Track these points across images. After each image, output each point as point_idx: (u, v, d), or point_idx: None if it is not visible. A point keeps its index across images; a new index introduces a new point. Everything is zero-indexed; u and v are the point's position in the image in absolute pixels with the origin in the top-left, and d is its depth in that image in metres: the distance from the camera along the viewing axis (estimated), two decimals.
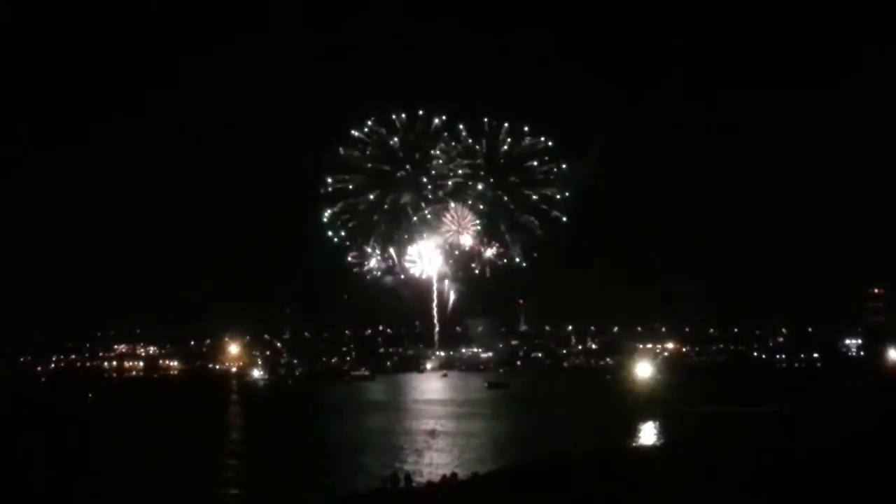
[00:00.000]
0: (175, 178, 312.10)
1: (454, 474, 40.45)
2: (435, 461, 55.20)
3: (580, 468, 39.63)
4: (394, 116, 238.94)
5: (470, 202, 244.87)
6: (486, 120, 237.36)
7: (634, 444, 63.80)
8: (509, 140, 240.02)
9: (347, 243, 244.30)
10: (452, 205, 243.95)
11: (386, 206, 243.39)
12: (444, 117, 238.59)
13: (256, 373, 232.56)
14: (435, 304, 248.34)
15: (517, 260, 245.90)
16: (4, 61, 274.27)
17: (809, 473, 32.26)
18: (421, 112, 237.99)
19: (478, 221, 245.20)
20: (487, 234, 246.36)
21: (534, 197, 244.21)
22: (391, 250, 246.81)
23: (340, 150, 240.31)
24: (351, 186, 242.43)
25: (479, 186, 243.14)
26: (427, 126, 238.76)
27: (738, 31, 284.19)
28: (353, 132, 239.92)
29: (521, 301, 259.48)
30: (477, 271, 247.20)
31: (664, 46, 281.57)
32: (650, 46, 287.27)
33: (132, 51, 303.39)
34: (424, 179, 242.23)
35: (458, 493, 35.11)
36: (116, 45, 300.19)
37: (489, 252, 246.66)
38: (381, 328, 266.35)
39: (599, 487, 32.02)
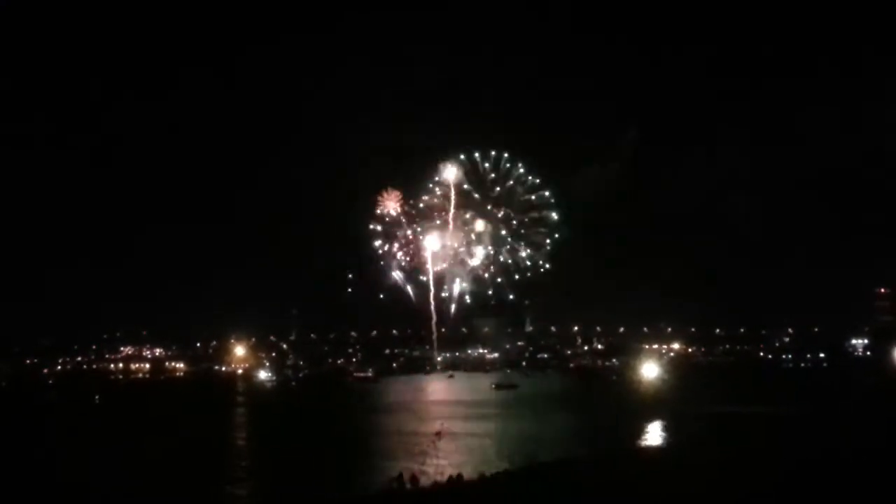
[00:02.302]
0: (184, 181, 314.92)
1: (460, 475, 40.31)
2: (441, 462, 55.03)
3: (587, 469, 39.49)
4: None
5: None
6: None
7: (642, 445, 63.61)
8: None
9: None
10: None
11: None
12: None
13: (263, 374, 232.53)
14: (451, 304, 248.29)
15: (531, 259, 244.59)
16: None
17: (817, 475, 32.09)
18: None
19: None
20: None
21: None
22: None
23: None
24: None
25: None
26: None
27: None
28: None
29: (526, 302, 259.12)
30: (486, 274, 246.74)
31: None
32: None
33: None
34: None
35: (464, 495, 34.99)
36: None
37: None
38: (387, 330, 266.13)
39: (607, 489, 31.89)
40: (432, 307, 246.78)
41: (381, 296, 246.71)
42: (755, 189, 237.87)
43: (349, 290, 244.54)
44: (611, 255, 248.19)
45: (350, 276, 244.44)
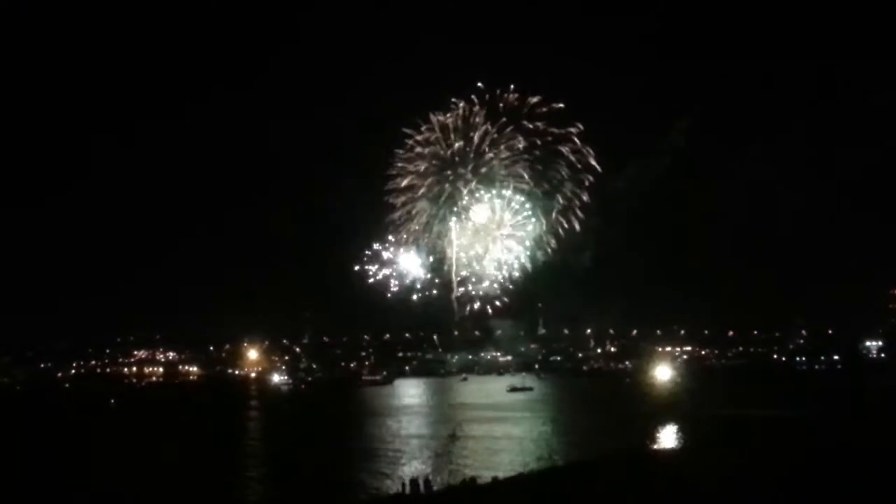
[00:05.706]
0: (195, 183, 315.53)
1: (474, 479, 40.46)
2: (455, 465, 55.22)
3: (602, 472, 39.58)
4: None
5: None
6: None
7: (656, 448, 63.55)
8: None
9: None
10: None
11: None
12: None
13: (277, 377, 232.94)
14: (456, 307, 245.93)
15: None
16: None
17: (831, 477, 32.10)
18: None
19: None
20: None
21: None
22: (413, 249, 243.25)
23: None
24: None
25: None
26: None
27: None
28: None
29: (540, 304, 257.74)
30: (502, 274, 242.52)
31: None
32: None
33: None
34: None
35: (477, 498, 35.15)
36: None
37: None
38: (400, 333, 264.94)
39: (622, 491, 31.99)
40: (455, 306, 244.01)
41: (394, 298, 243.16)
42: (775, 190, 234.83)
43: (362, 291, 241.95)
44: (627, 258, 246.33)
45: (363, 277, 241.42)
